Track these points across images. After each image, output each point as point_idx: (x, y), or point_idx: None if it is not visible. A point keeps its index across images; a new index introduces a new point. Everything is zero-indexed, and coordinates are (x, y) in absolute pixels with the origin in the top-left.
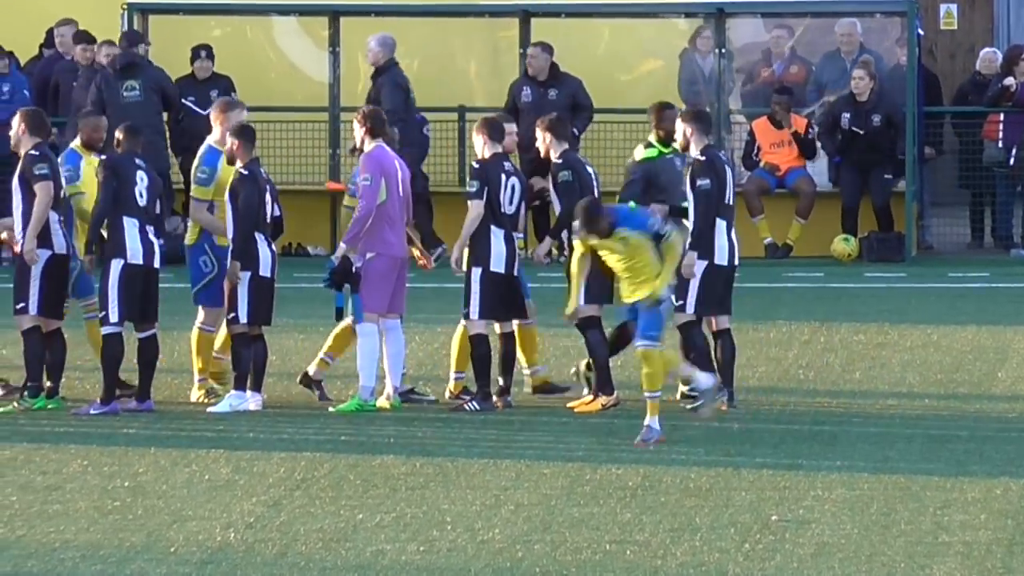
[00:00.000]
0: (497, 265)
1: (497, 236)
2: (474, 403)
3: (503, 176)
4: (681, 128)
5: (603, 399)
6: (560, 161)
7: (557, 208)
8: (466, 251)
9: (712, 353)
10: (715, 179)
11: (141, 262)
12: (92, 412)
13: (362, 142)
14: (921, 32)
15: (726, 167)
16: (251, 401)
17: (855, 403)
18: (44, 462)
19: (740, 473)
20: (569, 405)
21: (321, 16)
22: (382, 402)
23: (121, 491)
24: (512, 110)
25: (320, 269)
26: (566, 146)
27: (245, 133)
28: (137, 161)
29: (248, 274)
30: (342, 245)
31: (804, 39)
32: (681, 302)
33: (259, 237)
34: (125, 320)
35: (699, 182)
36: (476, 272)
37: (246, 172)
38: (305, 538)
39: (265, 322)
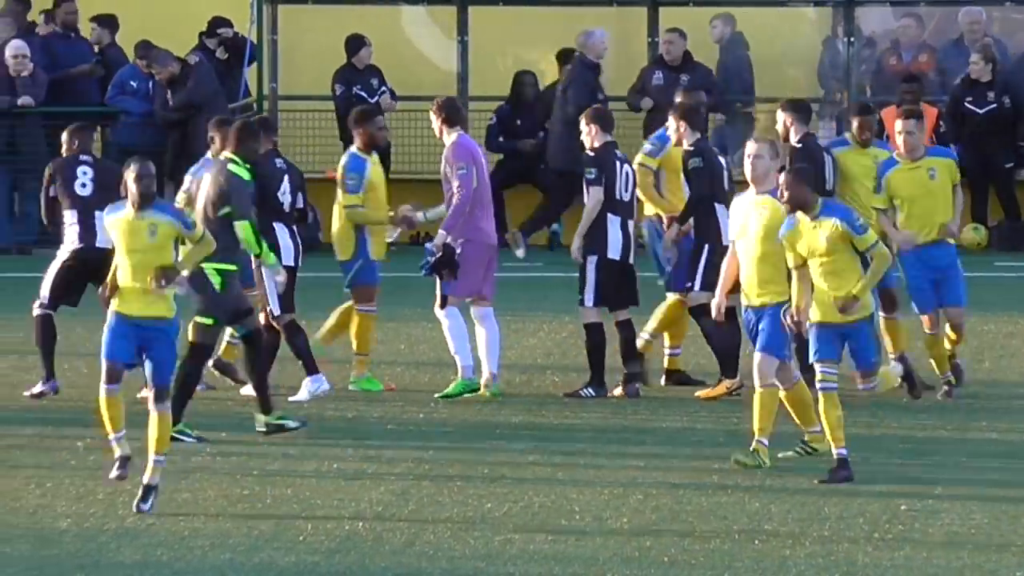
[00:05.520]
0: (614, 252)
1: (614, 223)
2: (589, 390)
3: (616, 163)
4: (781, 118)
5: (727, 382)
6: (691, 148)
7: (687, 194)
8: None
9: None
10: (812, 166)
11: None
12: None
13: (441, 132)
14: None
15: (824, 155)
16: (325, 383)
17: (984, 392)
18: (173, 451)
19: (869, 462)
20: (697, 394)
21: (449, 5)
22: (480, 390)
23: (250, 480)
24: (640, 94)
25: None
26: (698, 135)
27: (265, 124)
28: (82, 157)
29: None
30: (442, 232)
31: (934, 27)
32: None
33: (279, 227)
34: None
35: (796, 167)
36: (592, 260)
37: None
38: (433, 527)
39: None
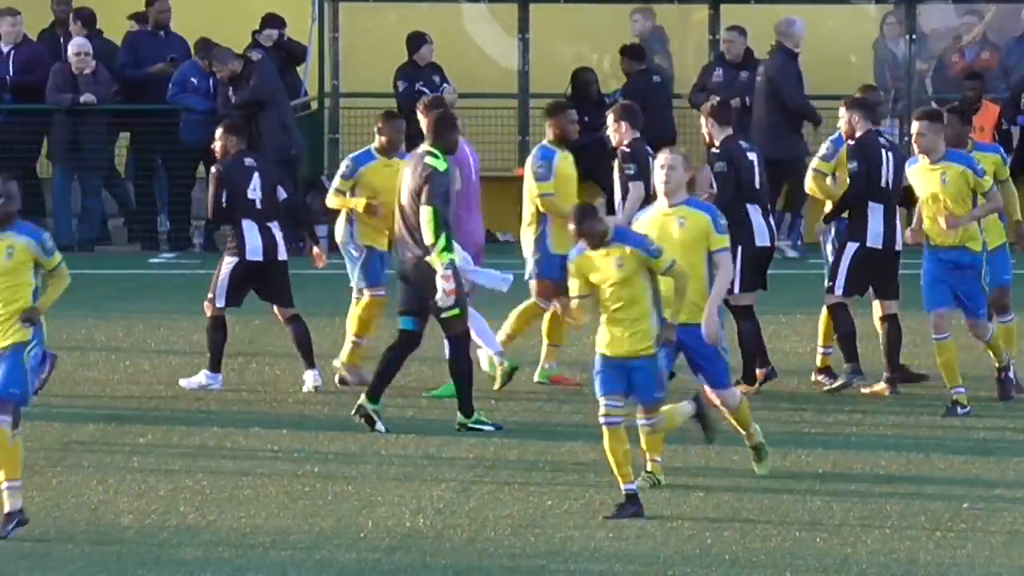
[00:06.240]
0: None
1: None
2: None
3: (650, 159)
4: (846, 116)
5: (743, 387)
6: (718, 150)
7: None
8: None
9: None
10: (864, 163)
11: None
12: None
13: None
14: None
15: (884, 152)
16: (219, 383)
17: None
18: (234, 448)
19: (931, 460)
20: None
21: (511, 3)
22: (487, 367)
23: (311, 476)
24: (702, 92)
25: (509, 256)
26: (729, 131)
27: (236, 129)
28: None
29: (235, 259)
30: None
31: (995, 24)
32: (831, 283)
33: (247, 224)
34: None
35: (848, 165)
36: None
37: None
38: (494, 524)
39: (235, 303)
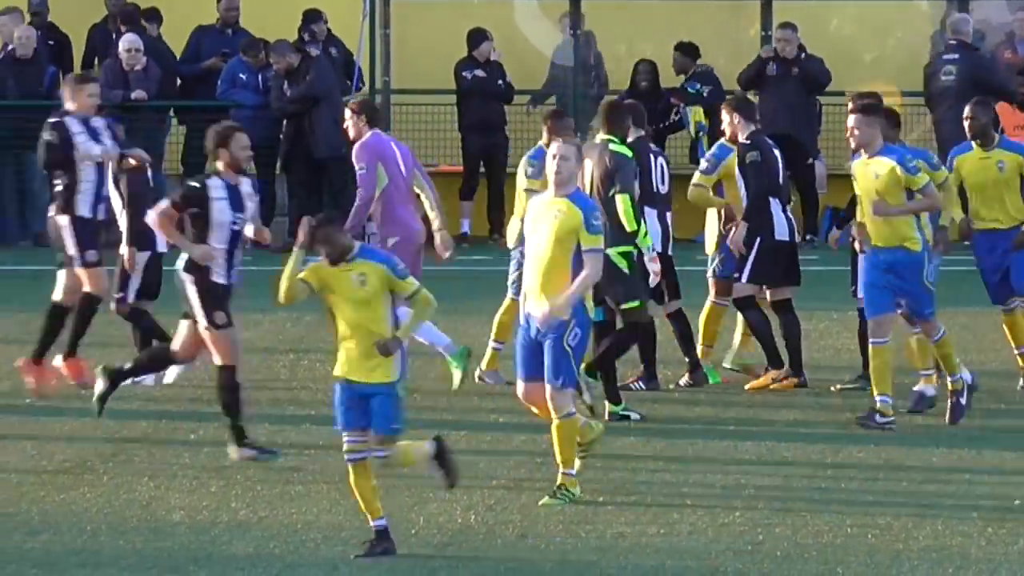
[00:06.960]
0: (655, 245)
1: (651, 216)
2: (640, 383)
3: (651, 156)
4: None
5: (773, 373)
6: (748, 142)
7: (742, 189)
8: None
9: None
10: None
11: None
12: None
13: (360, 133)
14: None
15: None
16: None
17: None
18: (285, 444)
19: (983, 456)
20: (747, 387)
21: None
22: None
23: None
24: (752, 85)
25: None
26: (753, 127)
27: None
28: None
29: (148, 253)
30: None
31: None
32: (853, 287)
33: None
34: None
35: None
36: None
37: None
38: (545, 520)
39: (153, 296)
